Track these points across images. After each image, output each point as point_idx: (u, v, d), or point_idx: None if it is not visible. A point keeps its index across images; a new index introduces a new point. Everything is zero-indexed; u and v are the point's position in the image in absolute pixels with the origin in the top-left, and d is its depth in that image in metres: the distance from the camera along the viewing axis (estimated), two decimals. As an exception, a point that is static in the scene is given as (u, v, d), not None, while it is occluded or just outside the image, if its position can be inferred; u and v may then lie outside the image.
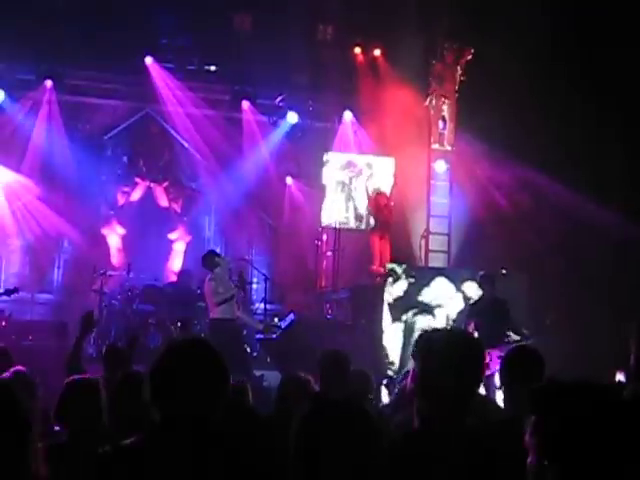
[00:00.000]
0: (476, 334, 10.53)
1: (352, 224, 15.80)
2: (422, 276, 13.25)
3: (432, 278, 13.10)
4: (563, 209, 14.44)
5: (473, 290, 12.62)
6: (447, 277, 13.16)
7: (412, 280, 13.02)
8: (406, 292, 12.91)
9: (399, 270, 13.04)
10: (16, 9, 13.34)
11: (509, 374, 4.36)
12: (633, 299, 11.75)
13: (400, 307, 12.81)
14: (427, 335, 3.25)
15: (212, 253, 11.93)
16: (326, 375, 5.98)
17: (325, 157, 15.81)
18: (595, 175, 14.22)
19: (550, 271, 13.98)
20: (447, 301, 12.96)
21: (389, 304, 12.83)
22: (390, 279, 12.93)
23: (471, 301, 12.17)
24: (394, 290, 12.88)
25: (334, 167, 15.90)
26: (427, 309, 12.86)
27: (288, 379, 5.91)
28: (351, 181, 16.01)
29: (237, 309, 11.44)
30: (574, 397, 2.21)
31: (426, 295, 12.93)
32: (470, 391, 3.19)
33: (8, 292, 10.24)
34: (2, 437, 2.78)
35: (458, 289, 12.96)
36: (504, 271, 11.81)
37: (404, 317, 12.79)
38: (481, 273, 11.70)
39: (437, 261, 15.12)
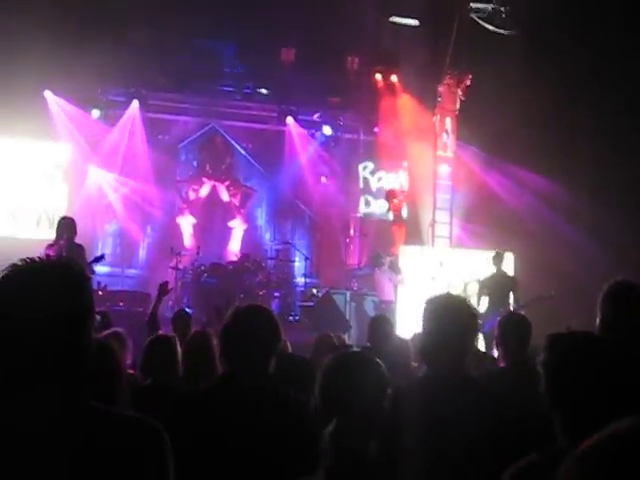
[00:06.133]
0: (486, 302, 10.48)
1: (391, 217, 15.66)
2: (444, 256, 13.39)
3: (450, 258, 13.20)
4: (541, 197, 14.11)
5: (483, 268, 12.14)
6: (460, 257, 13.18)
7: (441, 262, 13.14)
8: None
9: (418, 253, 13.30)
10: (114, 44, 13.26)
11: (501, 334, 4.32)
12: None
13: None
14: (428, 300, 3.13)
15: (379, 255, 12.50)
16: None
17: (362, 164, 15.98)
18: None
19: (532, 251, 13.46)
20: (461, 277, 12.92)
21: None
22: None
23: (482, 277, 11.41)
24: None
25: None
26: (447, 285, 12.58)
27: (320, 336, 6.00)
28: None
29: None
30: (575, 342, 2.24)
31: (446, 272, 12.97)
32: (460, 344, 3.01)
33: (97, 259, 9.67)
34: (99, 384, 2.79)
35: (469, 267, 12.89)
36: (553, 292, 10.37)
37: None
38: (493, 253, 11.08)
39: (441, 245, 14.94)
